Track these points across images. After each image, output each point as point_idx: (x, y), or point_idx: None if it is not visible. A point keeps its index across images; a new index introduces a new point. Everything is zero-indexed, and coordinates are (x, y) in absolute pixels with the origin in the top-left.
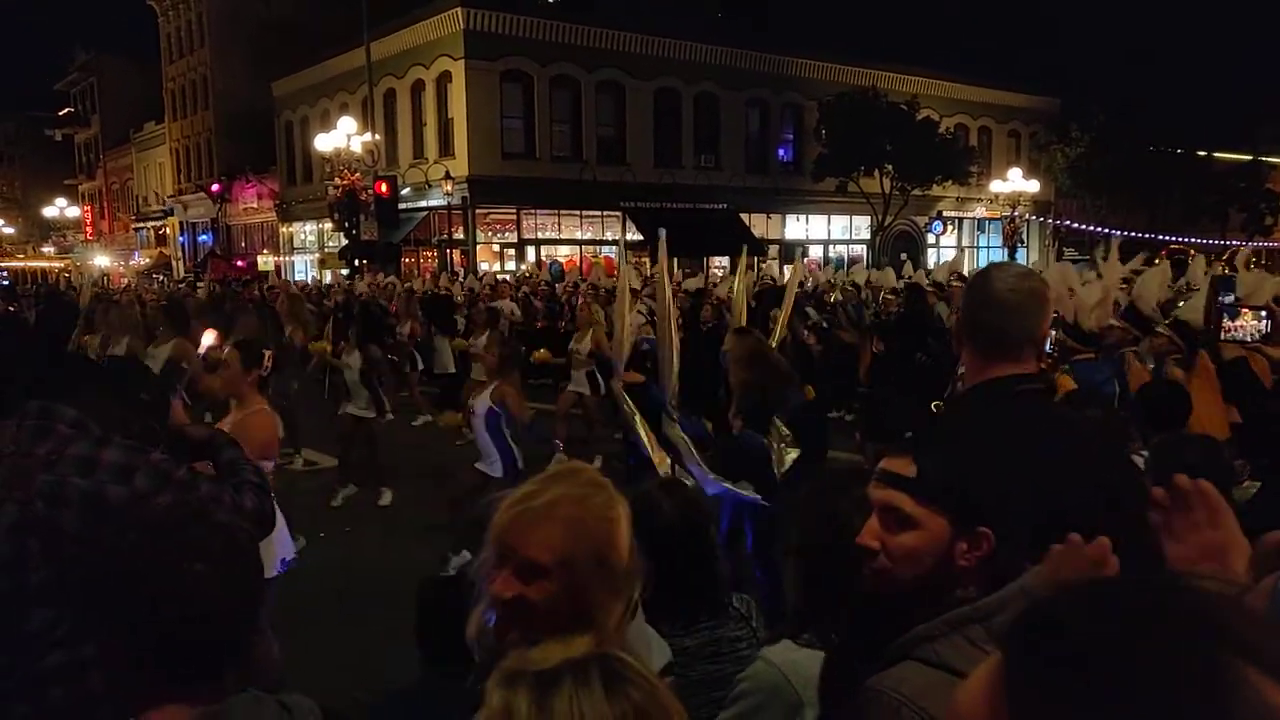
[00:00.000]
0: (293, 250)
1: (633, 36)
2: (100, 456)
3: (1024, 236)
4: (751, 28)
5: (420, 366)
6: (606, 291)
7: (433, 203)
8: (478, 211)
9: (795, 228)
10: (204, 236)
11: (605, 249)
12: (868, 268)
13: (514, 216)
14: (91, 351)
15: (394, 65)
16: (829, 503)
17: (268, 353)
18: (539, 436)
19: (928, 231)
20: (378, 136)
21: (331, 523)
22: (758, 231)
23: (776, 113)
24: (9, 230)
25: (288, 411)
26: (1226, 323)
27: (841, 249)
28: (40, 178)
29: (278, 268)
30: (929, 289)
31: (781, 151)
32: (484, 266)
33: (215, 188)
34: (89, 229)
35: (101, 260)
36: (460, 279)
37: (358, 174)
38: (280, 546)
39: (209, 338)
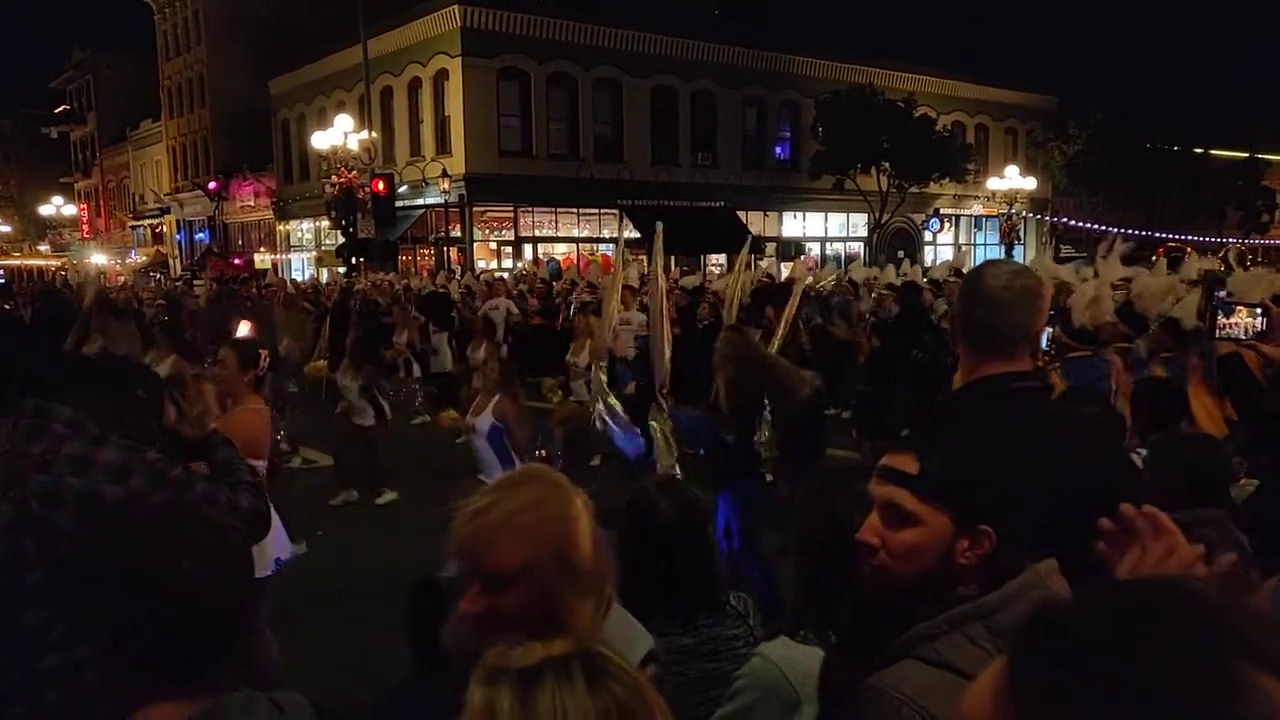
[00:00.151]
0: (290, 248)
1: (630, 34)
2: (96, 456)
3: (1021, 234)
4: (750, 26)
5: (418, 373)
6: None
7: (430, 201)
8: (475, 209)
9: (792, 225)
10: (201, 235)
11: (602, 247)
12: (866, 265)
13: (511, 214)
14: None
15: (391, 63)
16: (828, 500)
17: (264, 352)
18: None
19: (925, 229)
20: (374, 134)
21: (330, 522)
22: (755, 229)
23: (773, 110)
24: (5, 229)
25: (283, 410)
26: (1221, 320)
27: (839, 247)
28: (36, 176)
29: (275, 265)
30: (926, 286)
31: (779, 149)
32: (481, 264)
33: (212, 186)
34: (85, 227)
35: (98, 258)
36: (458, 277)
37: (355, 172)
38: (275, 546)
39: (244, 328)
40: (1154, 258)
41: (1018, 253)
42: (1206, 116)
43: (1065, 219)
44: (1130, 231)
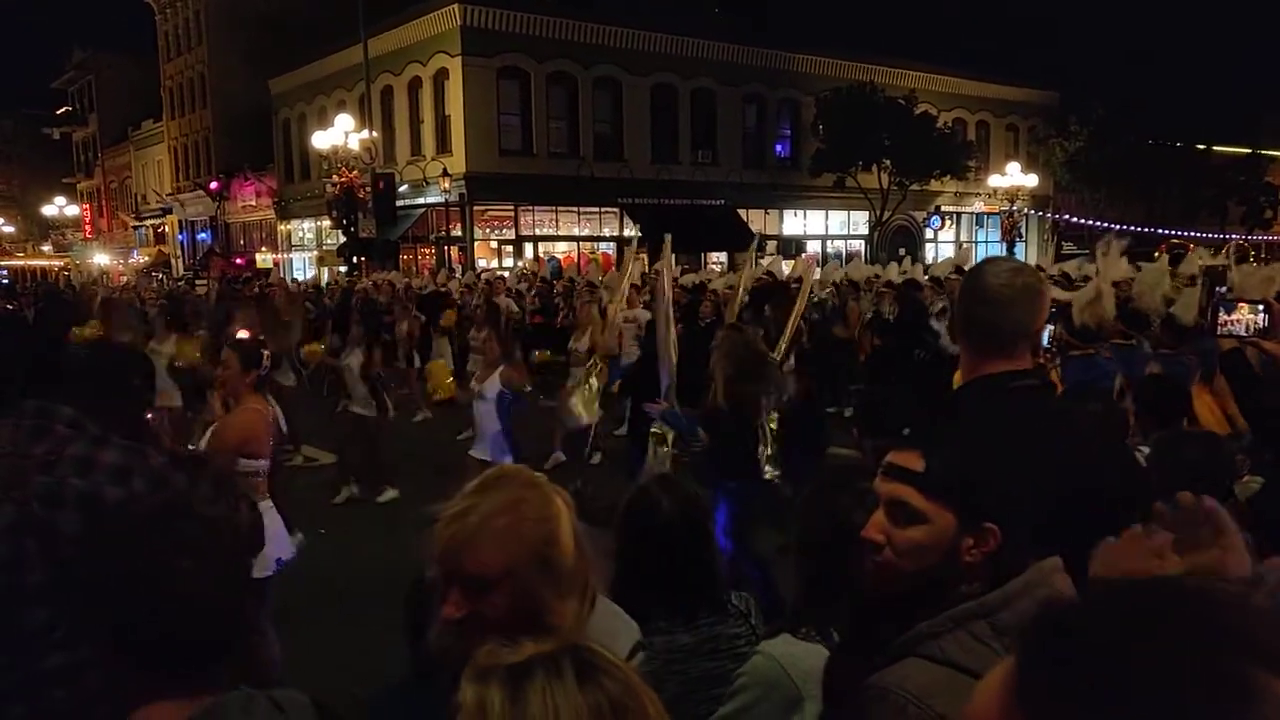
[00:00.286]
0: (291, 248)
1: (629, 33)
2: (98, 457)
3: (1022, 231)
4: (749, 24)
5: (418, 364)
6: (606, 289)
7: (430, 200)
8: (475, 208)
9: (793, 223)
10: (203, 234)
11: (603, 245)
12: (867, 263)
13: (511, 213)
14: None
15: (391, 62)
16: (829, 499)
17: (266, 352)
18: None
19: (926, 226)
20: (375, 134)
21: (332, 520)
22: (755, 227)
23: (774, 108)
24: (8, 229)
25: (285, 408)
26: (1222, 316)
27: (839, 244)
28: (39, 176)
29: (276, 265)
30: (928, 284)
31: (779, 147)
32: (482, 263)
33: (214, 185)
34: (88, 227)
35: (100, 259)
36: (458, 275)
37: (355, 171)
38: (276, 546)
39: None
40: (1156, 254)
41: (1019, 250)
42: (1208, 113)
43: (1067, 216)
44: (1132, 228)
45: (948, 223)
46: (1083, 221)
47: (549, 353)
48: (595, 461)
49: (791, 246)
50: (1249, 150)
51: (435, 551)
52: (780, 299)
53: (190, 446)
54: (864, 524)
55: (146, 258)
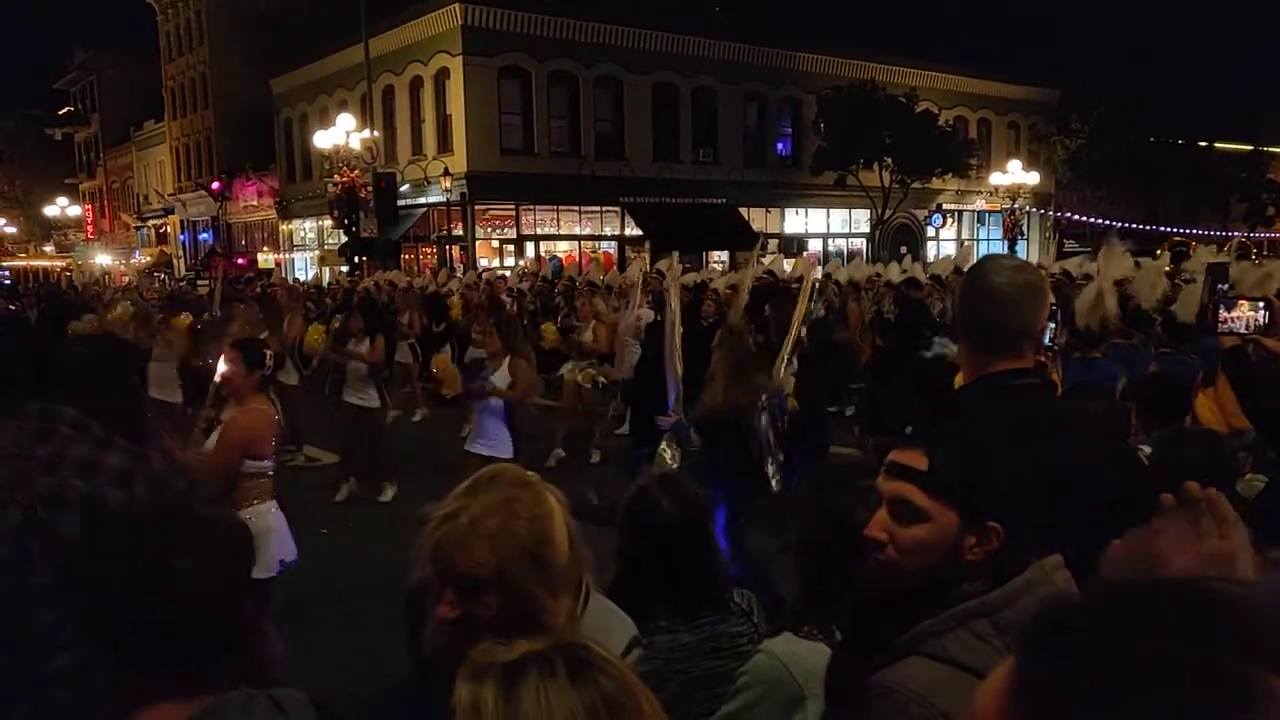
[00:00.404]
0: (293, 247)
1: (630, 31)
2: (102, 460)
3: (1024, 229)
4: (750, 22)
5: (420, 359)
6: (606, 288)
7: (432, 199)
8: (476, 207)
9: (794, 222)
10: (205, 234)
11: (604, 244)
12: (869, 262)
13: (513, 212)
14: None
15: (392, 62)
16: (831, 497)
17: (269, 352)
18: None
19: (927, 224)
20: (376, 133)
21: (333, 519)
22: (757, 226)
23: (774, 106)
24: (10, 230)
25: (285, 408)
26: (1222, 314)
27: (841, 243)
28: (41, 177)
29: (278, 265)
30: (928, 283)
31: (780, 145)
32: (483, 262)
33: (215, 186)
34: (90, 228)
35: (102, 259)
36: (458, 275)
37: (357, 171)
38: (279, 548)
39: (224, 364)
40: (1158, 251)
41: (1021, 248)
42: (1209, 110)
43: (1068, 214)
44: (1134, 226)
45: (949, 221)
46: (1084, 219)
47: (555, 329)
48: (595, 461)
49: (793, 245)
50: (1251, 147)
51: (428, 552)
52: (780, 299)
53: (194, 446)
54: (866, 522)
55: (148, 258)
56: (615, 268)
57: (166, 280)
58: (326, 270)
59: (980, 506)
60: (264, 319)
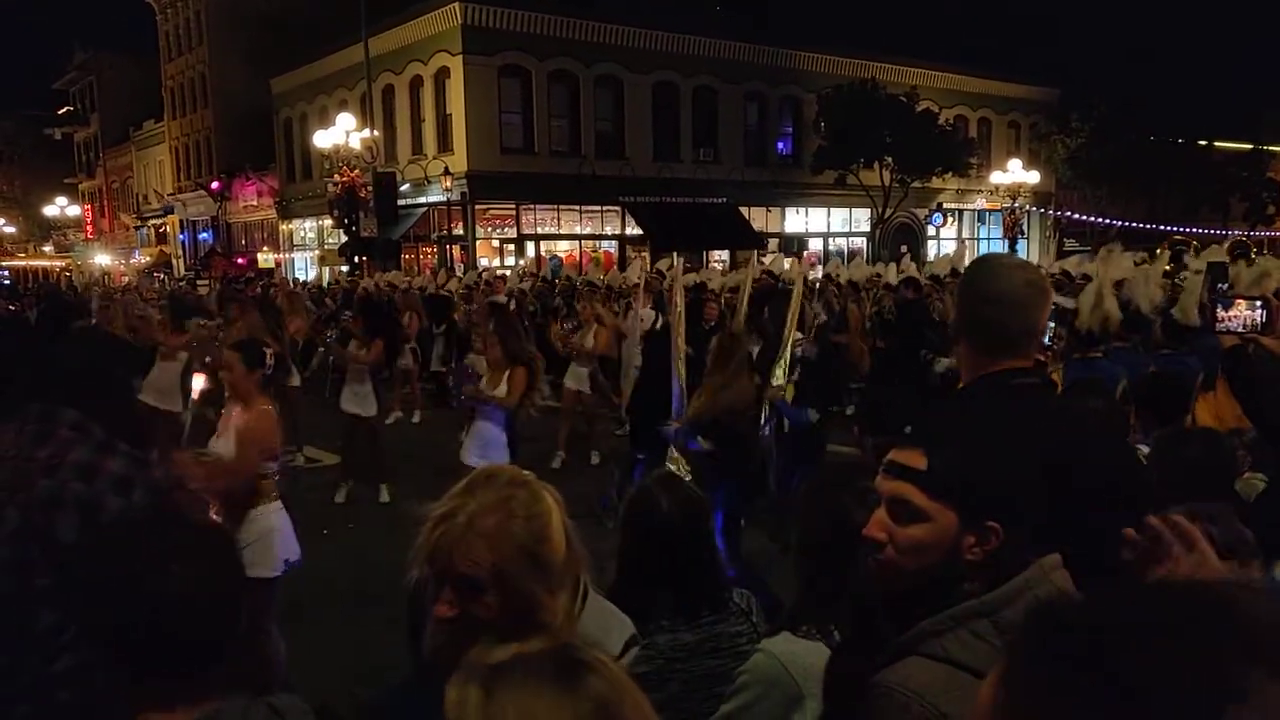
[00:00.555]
0: (293, 247)
1: (630, 31)
2: (103, 465)
3: (1024, 228)
4: (750, 21)
5: (420, 361)
6: (607, 288)
7: (432, 199)
8: (477, 207)
9: (795, 221)
10: (204, 234)
11: (604, 244)
12: (869, 262)
13: (513, 212)
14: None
15: (392, 61)
16: (830, 497)
17: (269, 351)
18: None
19: (928, 224)
20: (376, 133)
21: (334, 520)
22: (757, 225)
23: (775, 106)
24: (10, 229)
25: (288, 408)
26: (1220, 313)
27: (841, 242)
28: (40, 177)
29: (278, 264)
30: (926, 283)
31: (780, 145)
32: (484, 262)
33: (215, 185)
34: (89, 228)
35: (102, 259)
36: (458, 275)
37: (357, 170)
38: (283, 548)
39: (199, 381)
40: (1159, 250)
41: (1021, 247)
42: (1209, 109)
43: (1069, 213)
44: (1134, 225)
45: (950, 220)
46: (1084, 218)
47: (560, 333)
48: (595, 462)
49: (793, 244)
50: (1251, 146)
51: (425, 552)
52: (779, 301)
53: (199, 449)
54: (865, 522)
55: (148, 258)
56: (615, 267)
57: (166, 280)
58: (327, 270)
59: (979, 506)
60: (264, 323)
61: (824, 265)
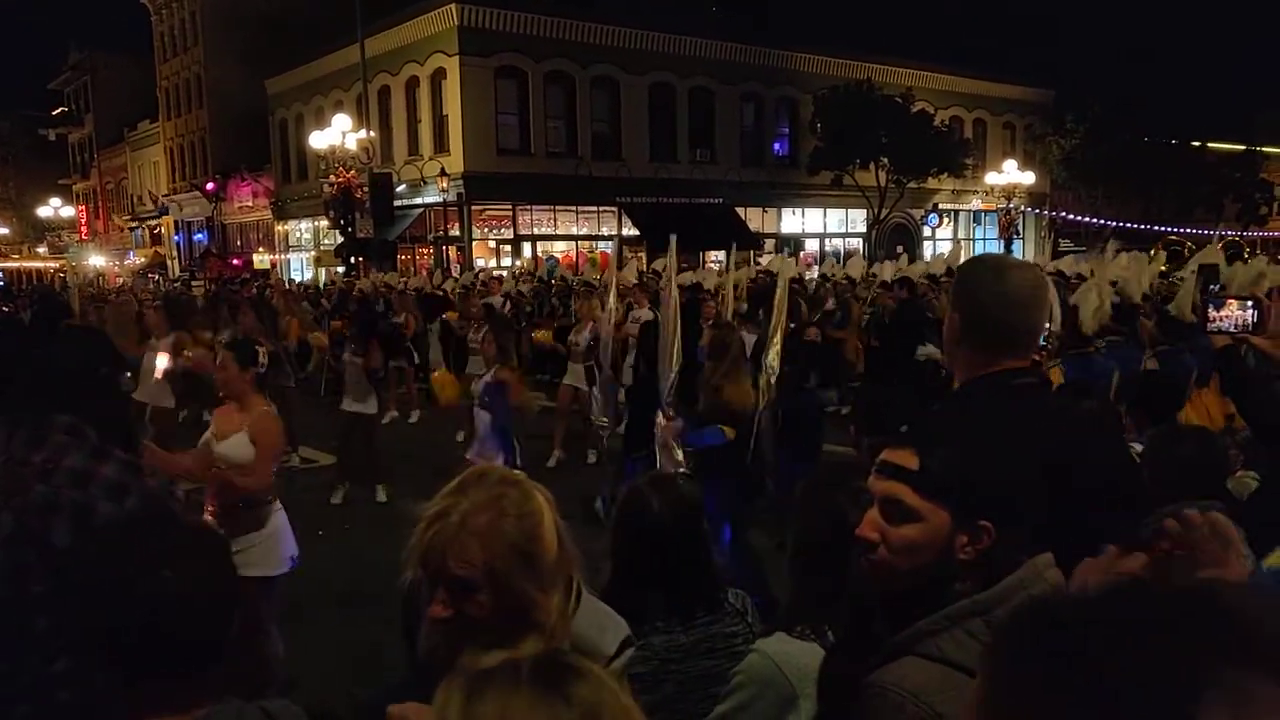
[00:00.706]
0: (288, 248)
1: (627, 32)
2: (97, 471)
3: (1020, 228)
4: (748, 23)
5: (416, 361)
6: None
7: (428, 199)
8: (473, 208)
9: (791, 221)
10: (199, 235)
11: (601, 244)
12: (866, 261)
13: (509, 212)
14: None
15: (388, 62)
16: (826, 497)
17: (262, 349)
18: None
19: (924, 224)
20: (372, 133)
21: (330, 520)
22: (754, 226)
23: (771, 106)
24: (3, 231)
25: (284, 409)
26: (1211, 313)
27: (838, 242)
28: (34, 177)
29: (274, 265)
30: (923, 283)
31: (777, 145)
32: (480, 263)
33: (210, 186)
34: (84, 229)
35: (96, 260)
36: (455, 275)
37: (353, 171)
38: (288, 544)
39: (163, 360)
40: (1153, 251)
41: (1017, 247)
42: (1203, 110)
43: (1064, 213)
44: (1129, 225)
45: (945, 220)
46: (1079, 219)
47: (550, 335)
48: (591, 461)
49: (790, 245)
50: (1244, 147)
51: (419, 552)
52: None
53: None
54: (859, 522)
55: (143, 259)
56: (609, 267)
57: (161, 281)
58: (323, 271)
59: (971, 505)
60: (261, 325)
61: (819, 265)
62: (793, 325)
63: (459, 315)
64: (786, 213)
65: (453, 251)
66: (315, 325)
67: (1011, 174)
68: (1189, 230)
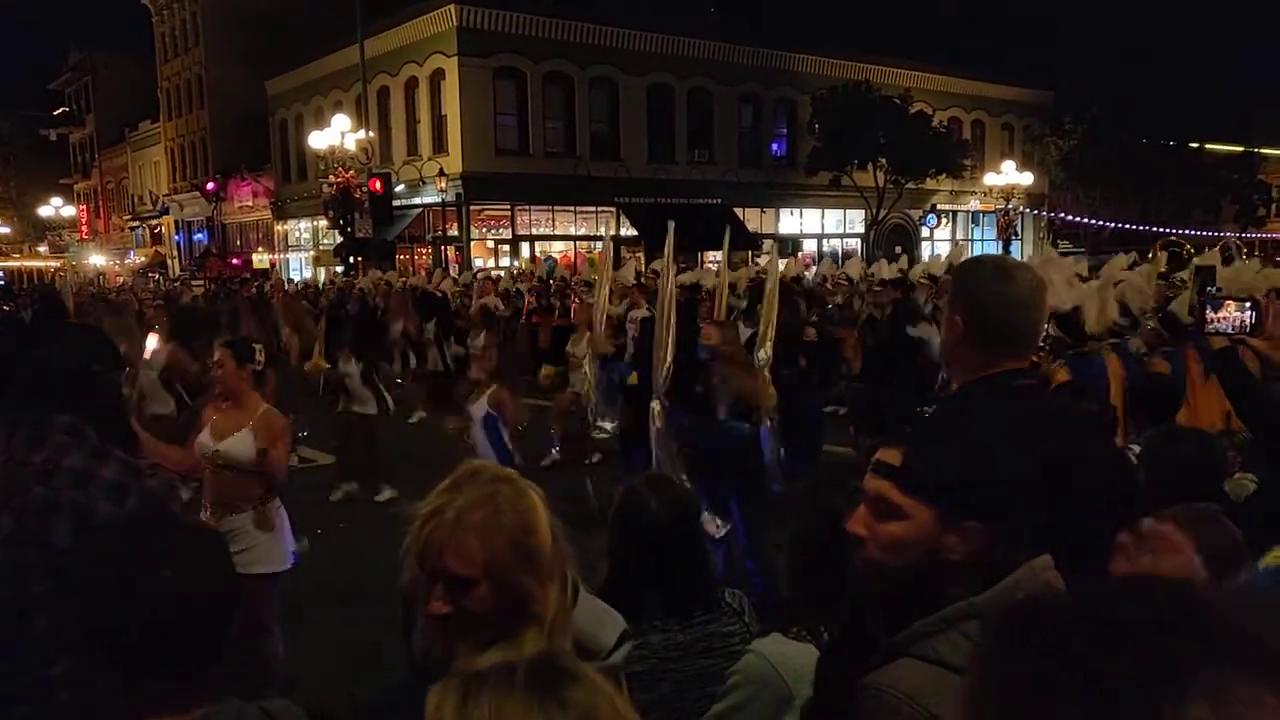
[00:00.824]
0: (288, 248)
1: (625, 32)
2: (97, 472)
3: (1018, 229)
4: (745, 23)
5: (414, 365)
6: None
7: (427, 200)
8: (472, 208)
9: (789, 222)
10: (199, 235)
11: (599, 245)
12: (864, 262)
13: (508, 213)
14: None
15: (387, 63)
16: (823, 498)
17: (258, 347)
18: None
19: (922, 225)
20: (372, 134)
21: (329, 520)
22: (752, 226)
23: (769, 107)
24: (4, 230)
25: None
26: (1210, 314)
27: (836, 243)
28: (35, 177)
29: (273, 265)
30: (923, 283)
31: (775, 146)
32: (478, 263)
33: (210, 186)
34: (84, 228)
35: (97, 259)
36: (452, 275)
37: (352, 171)
38: (288, 541)
39: (153, 341)
40: (1151, 254)
41: (1015, 248)
42: (1201, 111)
43: (1062, 214)
44: (1127, 226)
45: (944, 221)
46: (1078, 220)
47: (554, 371)
48: (594, 461)
49: (788, 245)
50: (1242, 148)
51: (416, 550)
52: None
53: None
54: None
55: (143, 258)
56: (603, 264)
57: (161, 281)
58: (322, 271)
59: (956, 505)
60: (260, 327)
61: (817, 265)
62: (791, 325)
63: (458, 316)
64: (785, 213)
65: (451, 251)
66: (313, 333)
67: (1010, 175)
68: (1188, 232)
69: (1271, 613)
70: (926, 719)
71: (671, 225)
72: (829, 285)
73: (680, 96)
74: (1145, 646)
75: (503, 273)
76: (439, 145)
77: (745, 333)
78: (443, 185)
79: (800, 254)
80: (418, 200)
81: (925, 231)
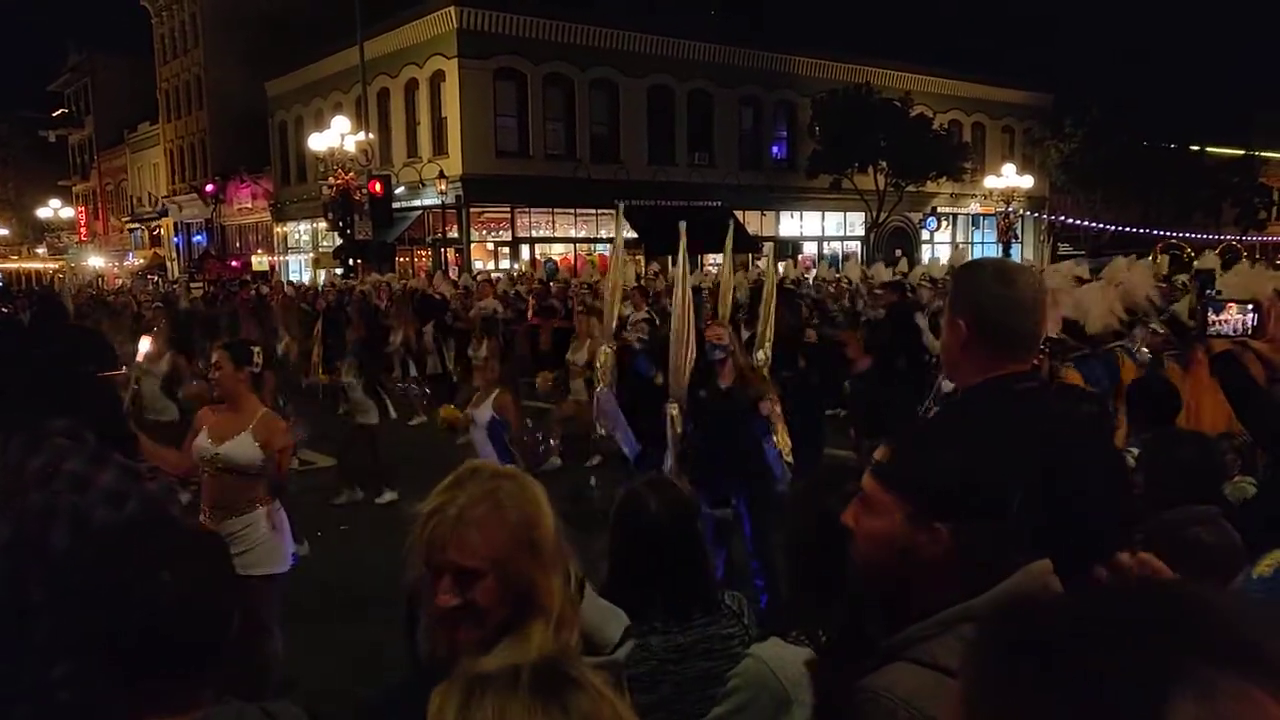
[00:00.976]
0: (287, 250)
1: (626, 34)
2: (96, 477)
3: (1018, 232)
4: (746, 25)
5: (414, 373)
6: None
7: (427, 202)
8: (472, 210)
9: (790, 225)
10: (199, 237)
11: (599, 247)
12: (862, 264)
13: (508, 215)
14: None
15: (387, 64)
16: (820, 499)
17: (256, 350)
18: (536, 458)
19: (922, 228)
20: (371, 136)
21: (329, 522)
22: (752, 229)
23: (770, 109)
24: (3, 232)
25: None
26: (1211, 316)
27: (836, 246)
28: (34, 179)
29: (273, 267)
30: (925, 285)
31: (775, 148)
32: (478, 265)
33: (209, 188)
34: (83, 230)
35: (96, 261)
36: (452, 277)
37: (352, 173)
38: (289, 542)
39: (145, 344)
40: (1152, 259)
41: (1015, 251)
42: (1202, 114)
43: (1062, 217)
44: (1127, 229)
45: (944, 224)
46: (1078, 223)
47: (551, 376)
48: (595, 462)
49: (788, 248)
50: (1242, 151)
51: (420, 548)
52: (780, 300)
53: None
54: None
55: (142, 260)
56: (611, 269)
57: (160, 282)
58: (321, 273)
59: (924, 506)
60: (259, 329)
61: (815, 268)
62: (791, 327)
63: (457, 319)
64: (785, 216)
65: (451, 254)
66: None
67: (1010, 178)
68: (1188, 235)
69: (1265, 615)
70: None
71: (683, 225)
72: (832, 289)
73: (680, 99)
74: (1143, 646)
75: (501, 275)
76: (439, 147)
77: (744, 334)
78: (443, 187)
79: (801, 256)
80: (418, 202)
81: (925, 234)
